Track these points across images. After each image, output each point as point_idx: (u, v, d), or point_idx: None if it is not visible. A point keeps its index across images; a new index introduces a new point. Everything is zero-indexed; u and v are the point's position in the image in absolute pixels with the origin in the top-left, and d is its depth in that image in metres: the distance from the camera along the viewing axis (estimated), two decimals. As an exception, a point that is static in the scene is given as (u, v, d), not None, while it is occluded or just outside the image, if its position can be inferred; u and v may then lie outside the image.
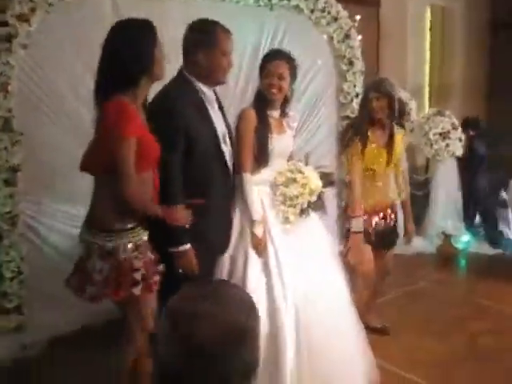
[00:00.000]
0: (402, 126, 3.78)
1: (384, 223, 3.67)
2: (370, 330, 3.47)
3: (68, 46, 3.63)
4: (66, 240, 3.67)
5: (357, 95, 5.05)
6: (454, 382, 3.30)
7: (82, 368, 3.15)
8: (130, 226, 2.43)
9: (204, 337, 1.09)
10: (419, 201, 6.07)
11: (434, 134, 5.87)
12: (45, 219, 3.73)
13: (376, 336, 3.60)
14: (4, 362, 3.14)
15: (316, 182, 3.05)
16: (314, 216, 3.15)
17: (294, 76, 3.10)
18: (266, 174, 3.09)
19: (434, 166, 6.11)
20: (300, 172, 3.03)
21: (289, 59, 3.08)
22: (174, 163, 2.63)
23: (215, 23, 2.78)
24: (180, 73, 2.78)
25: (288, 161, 3.16)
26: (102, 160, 2.39)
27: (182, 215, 2.56)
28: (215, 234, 2.87)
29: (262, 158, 3.03)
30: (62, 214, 3.77)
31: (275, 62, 3.03)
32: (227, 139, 2.92)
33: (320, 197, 3.08)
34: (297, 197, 2.99)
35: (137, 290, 2.40)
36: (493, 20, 8.00)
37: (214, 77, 2.80)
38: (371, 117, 3.55)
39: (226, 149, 2.88)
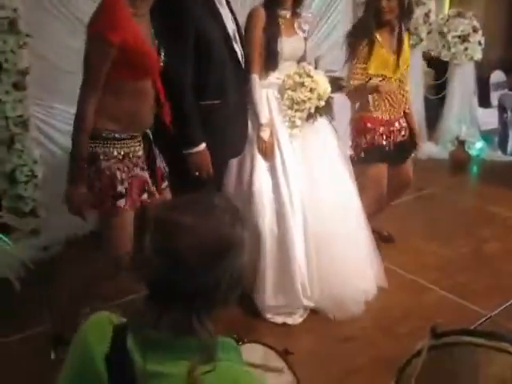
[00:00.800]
0: (408, 29, 3.48)
1: (399, 134, 3.50)
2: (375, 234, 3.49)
3: None
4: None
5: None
6: (457, 285, 3.38)
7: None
8: (117, 135, 2.32)
9: (186, 248, 1.08)
10: (433, 105, 5.98)
11: (453, 37, 5.67)
12: (55, 122, 3.71)
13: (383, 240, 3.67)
14: (24, 263, 3.24)
15: (325, 87, 2.98)
16: (322, 121, 3.11)
17: None
18: (275, 77, 3.03)
19: (451, 69, 5.94)
20: (309, 76, 2.96)
21: None
22: (184, 62, 2.57)
23: None
24: None
25: (299, 63, 3.09)
26: None
27: None
28: (231, 136, 2.85)
29: (270, 60, 2.96)
30: (71, 117, 3.73)
31: None
32: (237, 38, 2.83)
33: (328, 102, 3.03)
34: (304, 101, 2.94)
35: (120, 203, 2.32)
36: None
37: None
38: (379, 18, 3.27)
39: (238, 48, 2.81)
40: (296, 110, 2.98)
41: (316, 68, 3.06)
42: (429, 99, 5.93)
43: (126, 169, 2.34)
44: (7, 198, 3.54)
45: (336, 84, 3.11)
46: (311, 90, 2.95)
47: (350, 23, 4.96)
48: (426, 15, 5.48)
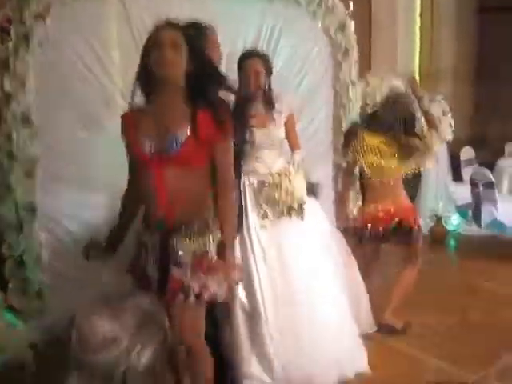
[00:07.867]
0: None
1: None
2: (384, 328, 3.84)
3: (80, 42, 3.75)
4: (80, 225, 3.83)
5: (352, 83, 5.19)
6: (445, 350, 3.60)
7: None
8: None
9: None
10: (411, 183, 6.27)
11: (425, 121, 5.99)
12: (60, 207, 3.83)
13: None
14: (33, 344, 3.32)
15: (300, 193, 3.20)
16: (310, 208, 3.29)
17: (269, 71, 3.27)
18: (251, 165, 3.22)
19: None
20: (288, 179, 3.17)
21: (263, 56, 3.28)
22: None
23: None
24: None
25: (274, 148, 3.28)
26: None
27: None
28: None
29: (241, 149, 3.06)
30: (76, 202, 3.88)
31: (250, 61, 3.20)
32: None
33: (301, 206, 3.21)
34: (278, 202, 3.16)
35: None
36: (481, 4, 8.18)
37: None
38: None
39: None
40: (270, 206, 3.18)
41: (297, 170, 3.27)
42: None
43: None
44: (13, 281, 3.65)
45: (310, 189, 3.34)
46: (287, 193, 3.16)
47: (331, 109, 5.31)
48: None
